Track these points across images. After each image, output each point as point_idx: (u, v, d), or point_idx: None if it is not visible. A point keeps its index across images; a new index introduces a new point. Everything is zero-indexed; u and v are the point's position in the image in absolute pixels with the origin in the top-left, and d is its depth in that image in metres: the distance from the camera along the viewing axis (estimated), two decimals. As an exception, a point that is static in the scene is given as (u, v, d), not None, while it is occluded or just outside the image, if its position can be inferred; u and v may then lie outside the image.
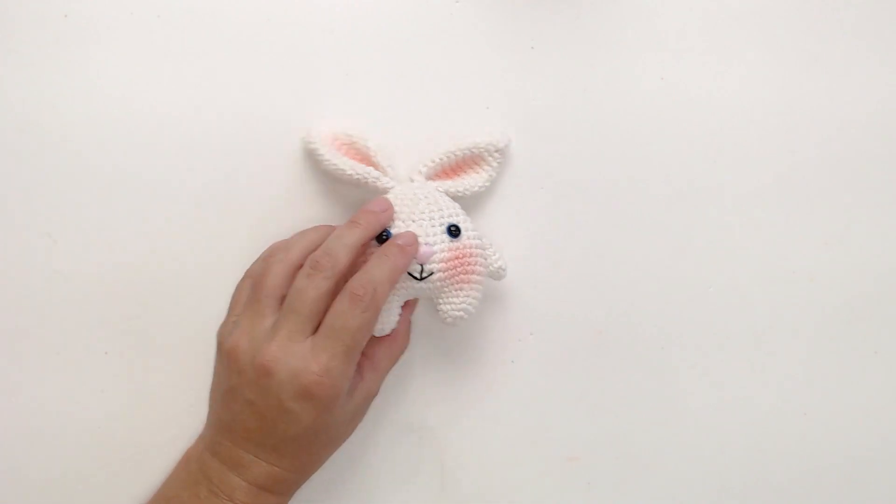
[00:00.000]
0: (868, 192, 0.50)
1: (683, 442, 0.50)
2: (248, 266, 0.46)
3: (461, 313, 0.45)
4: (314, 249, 0.44)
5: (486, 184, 0.48)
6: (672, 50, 0.49)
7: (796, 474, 0.51)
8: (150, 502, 0.46)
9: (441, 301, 0.46)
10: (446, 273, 0.45)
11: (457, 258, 0.45)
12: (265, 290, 0.43)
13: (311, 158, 0.47)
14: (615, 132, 0.49)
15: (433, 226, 0.45)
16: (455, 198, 0.47)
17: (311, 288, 0.42)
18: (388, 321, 0.45)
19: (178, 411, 0.50)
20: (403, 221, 0.45)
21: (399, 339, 0.47)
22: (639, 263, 0.50)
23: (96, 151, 0.48)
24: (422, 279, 0.44)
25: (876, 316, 0.50)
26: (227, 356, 0.43)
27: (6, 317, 0.49)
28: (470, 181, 0.48)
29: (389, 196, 0.46)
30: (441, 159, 0.47)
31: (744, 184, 0.50)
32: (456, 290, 0.45)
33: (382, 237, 0.44)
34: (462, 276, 0.45)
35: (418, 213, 0.45)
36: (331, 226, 0.46)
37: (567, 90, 0.49)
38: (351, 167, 0.46)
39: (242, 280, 0.46)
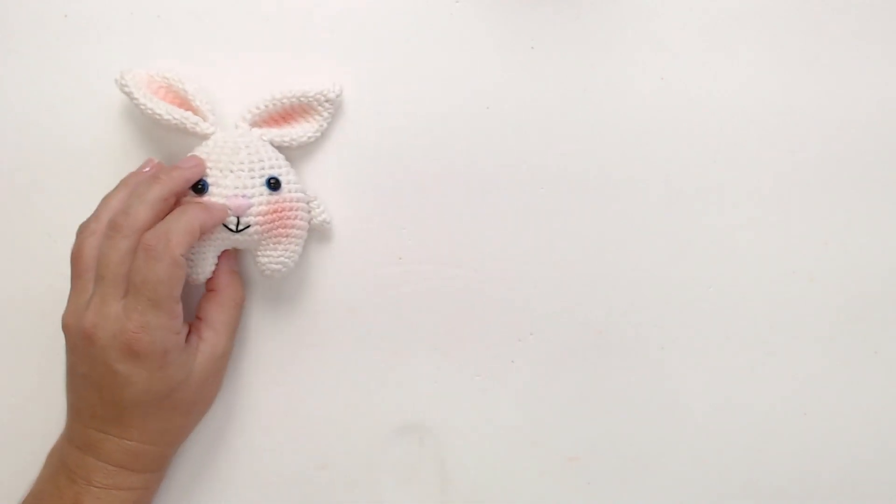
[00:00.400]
0: (868, 192, 0.50)
1: (683, 442, 0.50)
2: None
3: (279, 266, 0.45)
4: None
5: (316, 134, 0.47)
6: (672, 50, 0.49)
7: (796, 474, 0.51)
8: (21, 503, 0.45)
9: (259, 254, 0.45)
10: (263, 227, 0.44)
11: (275, 212, 0.44)
12: (81, 264, 0.43)
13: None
14: (615, 132, 0.49)
15: (252, 177, 0.44)
16: (281, 148, 0.46)
17: (113, 250, 0.41)
18: (201, 270, 0.45)
19: (178, 411, 0.50)
20: (221, 171, 0.44)
21: (226, 291, 0.46)
22: (639, 263, 0.50)
23: (96, 151, 0.48)
24: (238, 231, 0.44)
25: (876, 316, 0.50)
26: (64, 335, 0.43)
27: (6, 317, 0.49)
28: (298, 131, 0.46)
29: (210, 143, 0.45)
30: (267, 106, 0.46)
31: (744, 184, 0.50)
32: (274, 244, 0.45)
33: (198, 187, 0.43)
34: (280, 229, 0.45)
35: (237, 163, 0.44)
36: (138, 173, 0.45)
37: (567, 90, 0.49)
38: (167, 111, 0.45)
39: None
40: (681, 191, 0.50)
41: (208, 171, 0.44)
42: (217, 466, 0.49)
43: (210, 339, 0.45)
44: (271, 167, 0.45)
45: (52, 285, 0.49)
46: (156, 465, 0.45)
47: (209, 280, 0.46)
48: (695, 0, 0.49)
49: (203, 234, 0.42)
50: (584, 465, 0.49)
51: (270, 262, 0.45)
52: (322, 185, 0.48)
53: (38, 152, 0.48)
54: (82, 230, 0.43)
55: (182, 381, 0.43)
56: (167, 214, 0.42)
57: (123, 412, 0.42)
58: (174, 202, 0.43)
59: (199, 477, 0.49)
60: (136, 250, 0.41)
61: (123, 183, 0.44)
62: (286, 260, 0.45)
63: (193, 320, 0.46)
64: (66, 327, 0.43)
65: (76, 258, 0.43)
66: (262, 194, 0.44)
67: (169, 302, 0.41)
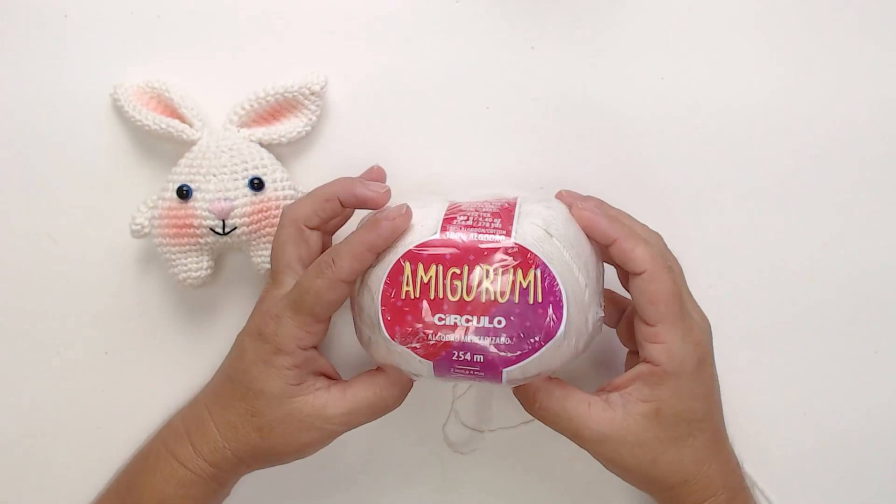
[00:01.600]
0: (868, 192, 0.50)
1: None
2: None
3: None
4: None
5: (306, 129, 0.47)
6: (672, 50, 0.49)
7: (796, 474, 0.51)
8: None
9: (252, 254, 0.46)
10: (250, 227, 0.45)
11: (260, 212, 0.45)
12: (276, 264, 0.44)
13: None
14: (615, 132, 0.49)
15: (235, 179, 0.44)
16: (272, 146, 0.47)
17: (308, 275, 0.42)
18: (195, 274, 0.45)
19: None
20: (205, 176, 0.44)
21: (383, 375, 0.43)
22: (639, 263, 0.50)
23: (96, 151, 0.48)
24: (225, 234, 0.44)
25: (876, 316, 0.50)
26: None
27: (6, 317, 0.49)
28: (286, 127, 0.46)
29: (195, 148, 0.45)
30: (252, 105, 0.46)
31: (744, 184, 0.50)
32: (265, 243, 0.45)
33: (183, 192, 0.44)
34: (268, 228, 0.45)
35: (220, 166, 0.44)
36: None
37: (567, 90, 0.49)
38: (154, 121, 0.45)
39: None
40: (681, 191, 0.50)
41: (193, 176, 0.44)
42: (217, 466, 0.49)
43: (333, 395, 0.42)
44: (254, 168, 0.45)
45: (53, 285, 0.49)
46: (224, 473, 0.44)
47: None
48: (695, 0, 0.49)
49: (376, 253, 0.40)
50: (584, 466, 0.49)
51: (263, 262, 0.46)
52: (320, 179, 0.48)
53: (38, 152, 0.48)
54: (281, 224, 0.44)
55: (276, 395, 0.41)
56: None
57: (222, 382, 0.44)
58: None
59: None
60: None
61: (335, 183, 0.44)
62: None
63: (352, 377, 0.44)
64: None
65: (273, 257, 0.44)
66: (245, 196, 0.44)
67: (305, 314, 0.40)
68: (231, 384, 0.43)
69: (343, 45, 0.48)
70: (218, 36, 0.48)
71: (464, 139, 0.49)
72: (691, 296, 0.44)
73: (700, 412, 0.42)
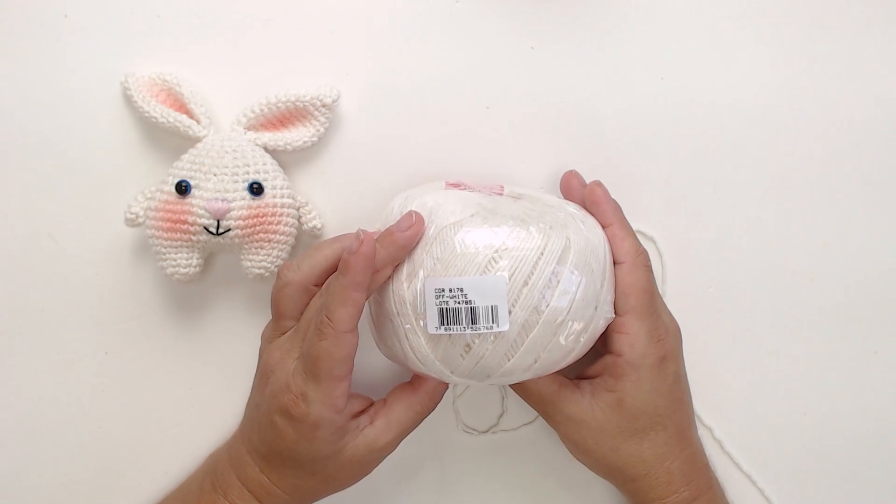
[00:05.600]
0: (868, 192, 0.50)
1: (683, 442, 0.50)
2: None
3: (261, 271, 0.46)
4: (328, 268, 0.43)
5: (312, 139, 0.46)
6: (672, 50, 0.49)
7: (796, 474, 0.51)
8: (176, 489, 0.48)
9: (242, 257, 0.46)
10: (244, 231, 0.44)
11: (256, 217, 0.44)
12: (276, 311, 0.44)
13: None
14: (615, 132, 0.49)
15: (235, 181, 0.44)
16: (276, 152, 0.46)
17: (312, 309, 0.43)
18: (184, 270, 0.45)
19: (179, 411, 0.50)
20: (205, 174, 0.44)
21: (419, 392, 0.44)
22: (639, 263, 0.50)
23: (96, 151, 0.48)
24: (219, 234, 0.44)
25: (876, 316, 0.50)
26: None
27: (6, 317, 0.49)
28: (293, 135, 0.46)
29: (199, 145, 0.45)
30: (262, 110, 0.46)
31: (744, 184, 0.50)
32: (256, 248, 0.45)
33: (181, 188, 0.44)
34: (262, 234, 0.45)
35: (221, 166, 0.44)
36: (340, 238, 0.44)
37: (567, 90, 0.49)
38: (162, 114, 0.45)
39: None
40: (680, 191, 0.50)
41: (193, 172, 0.44)
42: (217, 466, 0.49)
43: (379, 428, 0.43)
44: (256, 172, 0.45)
45: (53, 285, 0.49)
46: None
47: (417, 375, 0.44)
48: (695, 0, 0.49)
49: (365, 289, 0.40)
50: (583, 466, 0.49)
51: (253, 266, 0.45)
52: (319, 188, 0.48)
53: (38, 152, 0.48)
54: (281, 274, 0.43)
55: (328, 455, 0.42)
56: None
57: (269, 454, 0.43)
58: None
59: (199, 477, 0.49)
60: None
61: (339, 241, 0.44)
62: (268, 265, 0.46)
63: (379, 400, 0.45)
64: (262, 343, 0.45)
65: (273, 303, 0.44)
66: (243, 199, 0.44)
67: (326, 382, 0.40)
68: (280, 458, 0.43)
69: (343, 45, 0.48)
70: (218, 36, 0.48)
71: (464, 139, 0.49)
72: (664, 302, 0.46)
73: (662, 408, 0.43)
